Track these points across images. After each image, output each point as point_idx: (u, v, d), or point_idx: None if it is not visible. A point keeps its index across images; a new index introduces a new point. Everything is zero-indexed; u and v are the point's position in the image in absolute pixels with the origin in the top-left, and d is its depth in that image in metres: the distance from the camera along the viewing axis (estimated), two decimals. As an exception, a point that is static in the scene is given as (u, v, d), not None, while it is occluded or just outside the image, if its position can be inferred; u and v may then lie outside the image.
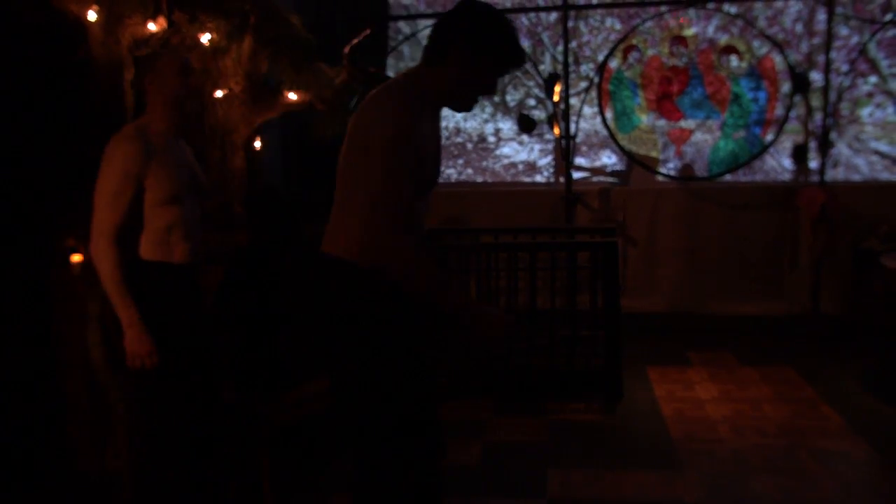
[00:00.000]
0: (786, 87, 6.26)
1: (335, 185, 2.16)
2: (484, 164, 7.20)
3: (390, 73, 6.04)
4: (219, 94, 3.99)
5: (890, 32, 6.24)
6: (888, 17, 6.16)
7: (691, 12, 6.48)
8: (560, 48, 6.61)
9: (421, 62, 2.11)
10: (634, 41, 6.40)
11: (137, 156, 2.45)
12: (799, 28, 6.44)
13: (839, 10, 6.20)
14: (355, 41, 4.13)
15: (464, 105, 2.14)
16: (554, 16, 6.84)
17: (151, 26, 3.37)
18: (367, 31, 4.17)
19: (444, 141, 7.23)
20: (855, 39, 6.30)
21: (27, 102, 3.31)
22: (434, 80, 2.07)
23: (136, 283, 2.47)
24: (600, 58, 6.55)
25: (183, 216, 2.56)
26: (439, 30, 2.07)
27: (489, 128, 7.14)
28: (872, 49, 6.28)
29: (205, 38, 3.67)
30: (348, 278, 2.06)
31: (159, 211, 2.50)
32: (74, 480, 2.91)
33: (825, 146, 6.17)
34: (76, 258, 3.10)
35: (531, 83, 6.94)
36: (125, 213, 2.45)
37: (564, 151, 6.20)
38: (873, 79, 6.38)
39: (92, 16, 3.17)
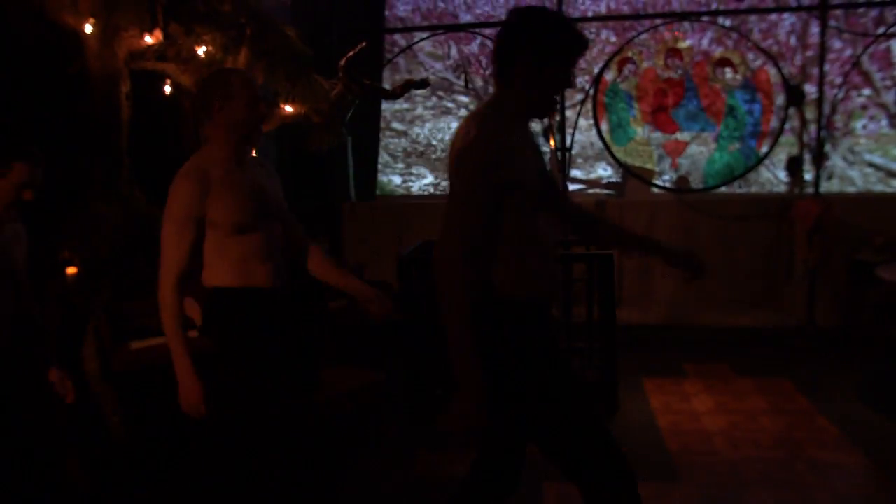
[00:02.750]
0: (780, 99, 6.29)
1: None
2: (480, 175, 7.21)
3: (386, 86, 6.06)
4: (215, 106, 3.99)
5: (882, 45, 6.28)
6: (881, 30, 6.20)
7: (686, 25, 6.51)
8: (555, 61, 6.62)
9: (496, 86, 2.11)
10: (630, 53, 6.43)
11: (193, 197, 2.33)
12: (793, 41, 6.48)
13: (832, 23, 6.24)
14: (351, 54, 4.14)
15: (546, 109, 2.13)
16: (549, 28, 6.86)
17: (148, 39, 3.38)
18: (363, 44, 4.17)
19: (439, 153, 7.26)
20: (848, 52, 6.34)
21: (23, 114, 3.31)
22: (510, 95, 2.07)
23: (222, 310, 2.41)
24: (596, 70, 6.57)
25: (257, 242, 2.43)
26: (500, 45, 2.07)
27: (485, 140, 7.15)
28: (865, 62, 6.32)
29: (201, 51, 3.67)
30: None
31: (231, 241, 2.39)
32: (67, 493, 2.89)
33: (820, 158, 6.20)
34: (71, 270, 3.10)
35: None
36: (188, 255, 2.36)
37: (560, 163, 6.21)
38: (867, 91, 6.41)
39: (88, 28, 3.18)
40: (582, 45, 2.07)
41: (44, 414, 2.64)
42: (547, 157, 7.07)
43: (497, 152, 1.96)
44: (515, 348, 2.05)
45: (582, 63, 6.84)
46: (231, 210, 2.36)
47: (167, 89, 4.03)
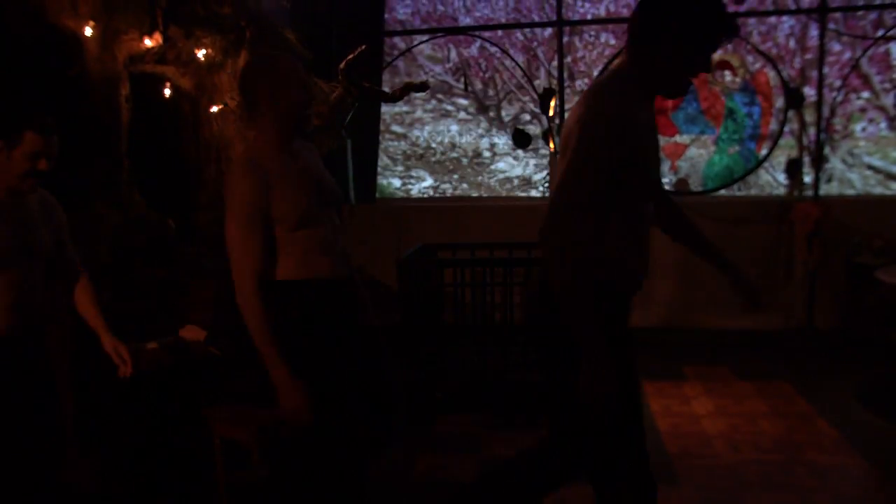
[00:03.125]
0: (779, 102, 6.29)
1: None
2: (479, 178, 7.22)
3: (385, 89, 6.06)
4: (214, 109, 4.00)
5: (882, 48, 6.29)
6: (880, 32, 6.21)
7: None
8: (555, 63, 6.65)
9: (626, 55, 2.02)
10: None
11: (256, 194, 2.23)
12: (792, 44, 6.49)
13: (831, 26, 6.25)
14: (351, 57, 4.14)
15: (679, 90, 2.04)
16: (549, 31, 6.88)
17: (147, 42, 3.39)
18: (363, 47, 4.18)
19: (438, 156, 7.27)
20: (847, 55, 6.34)
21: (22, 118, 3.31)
22: (645, 70, 1.98)
23: (285, 304, 2.31)
24: (595, 73, 6.58)
25: (321, 234, 2.35)
26: (643, 17, 1.96)
27: (484, 143, 7.16)
28: (865, 64, 6.33)
29: (200, 54, 3.68)
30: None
31: (294, 236, 2.30)
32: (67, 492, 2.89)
33: (819, 161, 6.20)
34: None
35: (526, 98, 6.97)
36: (262, 255, 2.26)
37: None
38: (866, 94, 6.42)
39: (88, 31, 3.18)
40: (731, 31, 1.97)
41: (52, 404, 2.61)
42: (536, 162, 7.08)
43: (624, 126, 1.91)
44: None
45: (581, 66, 6.85)
46: (293, 204, 2.27)
47: (167, 92, 4.04)
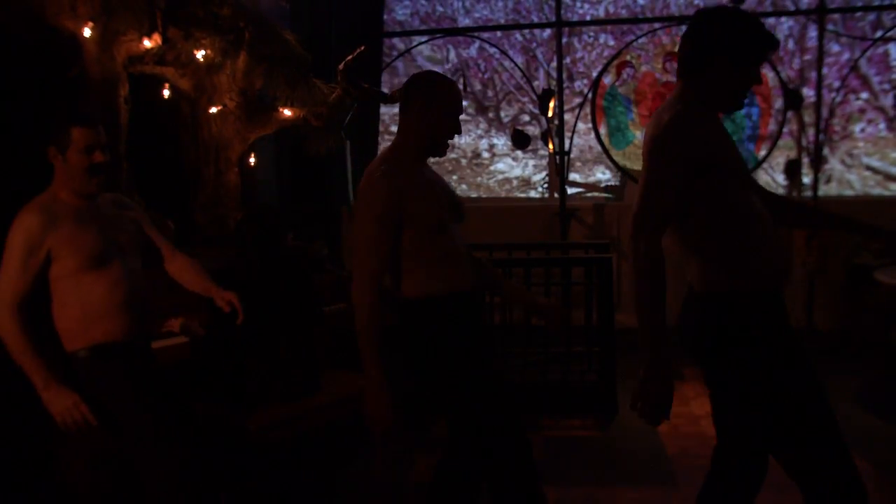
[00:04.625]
0: (778, 103, 6.29)
1: None
2: (478, 179, 7.22)
3: (385, 90, 6.06)
4: (213, 110, 4.00)
5: (880, 49, 6.30)
6: (878, 33, 6.21)
7: (684, 28, 6.52)
8: (554, 64, 6.65)
9: (683, 81, 2.12)
10: (628, 57, 6.43)
11: (392, 197, 2.24)
12: (791, 45, 6.49)
13: (830, 27, 6.25)
14: (350, 58, 4.14)
15: (736, 104, 2.13)
16: (548, 32, 6.88)
17: (146, 43, 3.39)
18: (362, 48, 4.17)
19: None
20: (846, 56, 6.35)
21: (21, 119, 3.31)
22: (701, 93, 2.08)
23: (428, 321, 2.32)
24: (594, 74, 6.58)
25: (452, 244, 2.37)
26: (691, 50, 2.09)
27: (483, 143, 7.16)
28: (863, 65, 6.33)
29: (199, 55, 3.68)
30: None
31: (429, 244, 2.31)
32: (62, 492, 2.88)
33: (818, 162, 6.20)
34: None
35: (525, 99, 6.97)
36: (387, 259, 2.27)
37: (559, 167, 6.22)
38: (865, 95, 6.43)
39: (87, 32, 3.18)
40: (773, 45, 2.08)
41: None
42: (535, 163, 7.09)
43: (690, 133, 1.98)
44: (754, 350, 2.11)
45: (580, 67, 6.86)
46: (428, 213, 2.29)
47: (166, 93, 4.04)
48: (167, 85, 3.99)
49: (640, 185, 2.03)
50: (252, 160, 4.57)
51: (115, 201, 2.63)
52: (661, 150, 1.99)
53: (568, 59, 6.82)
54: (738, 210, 2.06)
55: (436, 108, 2.32)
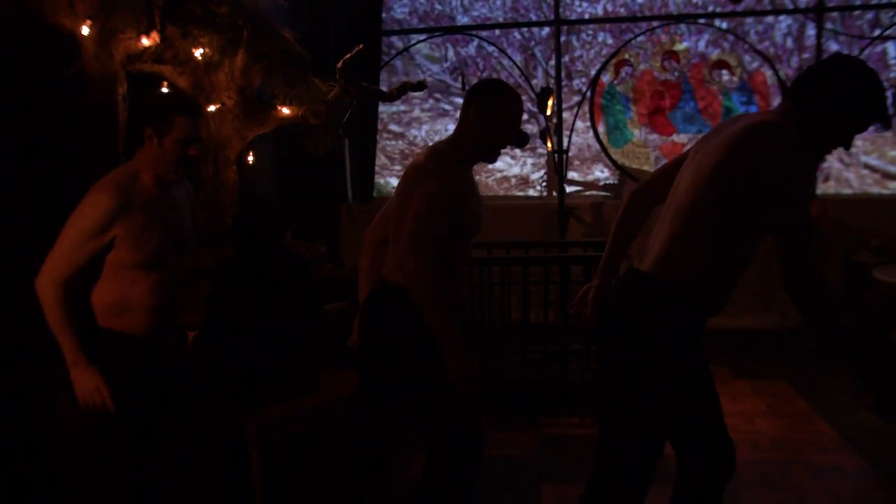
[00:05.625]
0: (777, 101, 6.29)
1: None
2: (476, 178, 7.20)
3: (383, 88, 6.06)
4: (211, 108, 4.00)
5: (878, 48, 6.30)
6: (876, 32, 6.21)
7: (683, 27, 6.52)
8: (552, 62, 6.65)
9: (790, 105, 2.11)
10: (626, 56, 6.43)
11: (458, 194, 2.35)
12: (789, 43, 6.50)
13: (828, 25, 6.26)
14: (348, 56, 4.13)
15: (820, 155, 2.15)
16: (546, 30, 6.88)
17: (144, 41, 3.38)
18: (360, 46, 4.17)
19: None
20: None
21: (20, 117, 3.31)
22: (804, 128, 2.07)
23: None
24: (592, 72, 6.58)
25: (464, 253, 2.50)
26: (809, 88, 2.07)
27: (482, 142, 7.16)
28: (862, 64, 6.33)
29: (198, 53, 3.67)
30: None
31: (451, 246, 2.38)
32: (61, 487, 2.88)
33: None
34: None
35: (524, 97, 6.96)
36: (440, 245, 2.34)
37: (557, 165, 6.22)
38: (863, 93, 6.42)
39: (85, 31, 3.17)
40: (885, 125, 2.12)
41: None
42: (533, 161, 7.09)
43: (798, 166, 1.98)
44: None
45: (579, 65, 6.86)
46: (470, 213, 2.38)
47: (164, 91, 4.03)
48: (165, 83, 3.98)
49: (792, 219, 2.01)
50: (250, 158, 4.56)
51: (187, 190, 2.60)
52: (796, 179, 1.97)
53: (566, 58, 6.82)
54: (747, 249, 2.17)
55: (501, 118, 2.37)
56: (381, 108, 7.10)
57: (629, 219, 2.39)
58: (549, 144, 6.21)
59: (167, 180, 2.41)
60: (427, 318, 2.28)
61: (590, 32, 6.89)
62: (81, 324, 2.33)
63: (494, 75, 7.06)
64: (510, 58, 6.56)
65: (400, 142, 7.29)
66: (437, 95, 7.20)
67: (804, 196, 1.99)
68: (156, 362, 2.48)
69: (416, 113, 7.26)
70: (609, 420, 2.34)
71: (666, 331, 2.13)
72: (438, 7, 7.06)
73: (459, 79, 6.94)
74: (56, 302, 2.26)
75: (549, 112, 6.10)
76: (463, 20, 7.02)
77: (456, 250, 2.40)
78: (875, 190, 6.53)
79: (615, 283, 2.35)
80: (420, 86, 4.43)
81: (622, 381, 2.23)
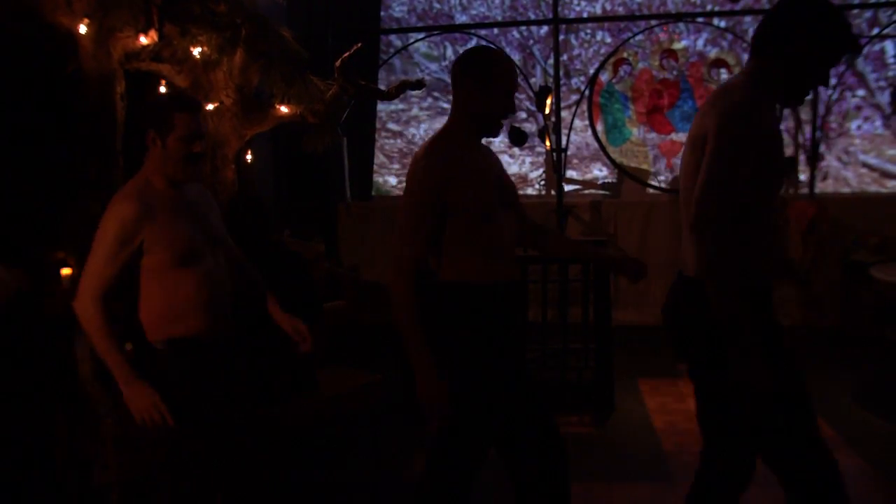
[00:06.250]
0: (775, 100, 6.30)
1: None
2: (475, 176, 7.22)
3: (381, 87, 6.05)
4: (210, 107, 3.99)
5: (877, 46, 6.30)
6: (875, 31, 6.22)
7: (681, 26, 6.52)
8: (551, 61, 6.64)
9: (750, 62, 2.08)
10: (625, 54, 6.43)
11: (433, 185, 2.21)
12: (787, 42, 6.49)
13: (827, 24, 6.25)
14: (346, 54, 4.13)
15: (797, 99, 2.11)
16: (545, 29, 6.88)
17: (143, 39, 3.37)
18: (359, 45, 4.17)
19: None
20: (843, 53, 6.35)
21: (17, 115, 3.30)
22: (766, 77, 2.04)
23: (467, 307, 2.27)
24: (591, 71, 6.58)
25: (497, 233, 2.32)
26: (773, 24, 2.03)
27: (480, 140, 7.16)
28: (860, 63, 6.34)
29: (196, 52, 3.66)
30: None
31: (477, 231, 2.25)
32: (60, 494, 2.88)
33: (814, 159, 6.21)
34: (66, 271, 3.09)
35: (522, 96, 6.96)
36: (426, 245, 2.25)
37: (556, 164, 6.22)
38: (861, 92, 6.43)
39: (83, 29, 3.17)
40: (854, 48, 2.06)
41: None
42: (532, 160, 7.08)
43: (758, 119, 1.96)
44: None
45: (577, 64, 6.86)
46: (477, 197, 2.23)
47: (162, 90, 4.03)
48: (163, 82, 3.97)
49: (708, 164, 1.96)
50: (249, 157, 4.56)
51: (201, 190, 2.57)
52: (731, 129, 1.94)
53: (565, 57, 6.82)
54: (761, 208, 2.05)
55: (491, 85, 2.23)
56: (380, 106, 7.10)
57: None
58: (547, 143, 6.21)
59: (177, 181, 2.40)
60: (398, 324, 2.20)
61: (588, 31, 6.89)
62: (125, 337, 2.32)
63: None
64: (508, 56, 6.55)
65: (398, 140, 7.29)
66: (436, 94, 7.19)
67: (730, 146, 1.94)
68: (221, 362, 2.46)
69: (415, 111, 7.25)
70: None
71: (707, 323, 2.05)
72: (437, 5, 7.06)
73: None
74: (99, 318, 2.25)
75: (547, 111, 6.10)
76: (461, 19, 7.02)
77: (481, 234, 2.25)
78: (873, 189, 6.53)
79: (671, 294, 2.29)
80: (419, 84, 4.43)
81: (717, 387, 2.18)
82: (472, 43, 6.99)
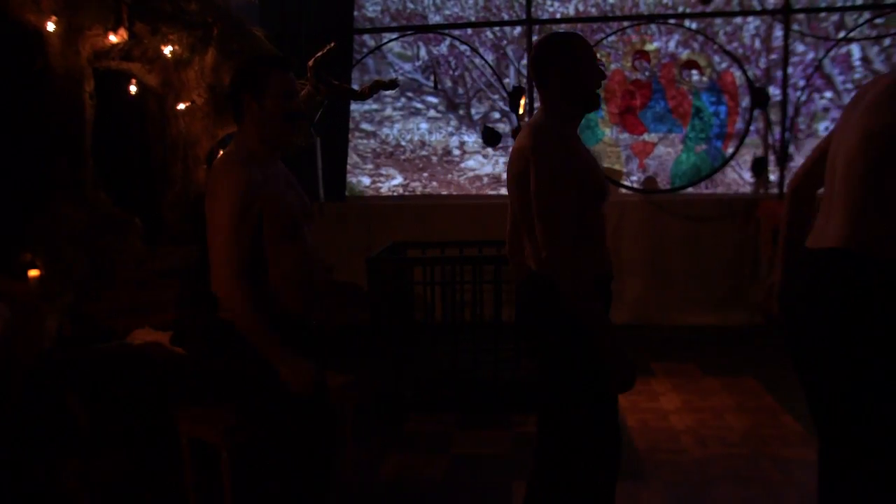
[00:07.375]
0: (745, 101, 6.38)
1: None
2: (449, 176, 7.22)
3: (355, 86, 6.04)
4: (181, 106, 3.96)
5: (843, 49, 6.40)
6: (841, 34, 6.32)
7: (653, 28, 6.58)
8: (524, 62, 6.67)
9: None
10: (597, 55, 6.46)
11: (568, 155, 2.23)
12: (757, 44, 6.58)
13: (795, 27, 6.34)
14: (320, 54, 4.11)
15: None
16: (518, 30, 6.90)
17: (112, 38, 3.34)
18: (332, 45, 4.15)
19: (408, 154, 7.25)
20: (811, 56, 6.44)
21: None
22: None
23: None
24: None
25: (602, 220, 2.37)
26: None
27: (454, 141, 7.16)
28: (827, 65, 6.43)
29: (167, 50, 3.63)
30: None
31: (591, 215, 2.26)
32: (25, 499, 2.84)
33: (784, 159, 6.29)
34: (33, 273, 3.05)
35: (496, 97, 6.98)
36: (573, 225, 2.26)
37: (529, 164, 6.22)
38: (829, 94, 6.53)
39: (51, 27, 3.13)
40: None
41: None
42: (505, 160, 7.11)
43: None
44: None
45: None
46: (593, 182, 2.21)
47: (133, 89, 3.99)
48: (134, 81, 3.93)
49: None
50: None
51: (282, 168, 2.44)
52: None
53: (538, 57, 6.84)
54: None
55: (580, 63, 2.26)
56: (353, 106, 7.07)
57: (799, 211, 2.31)
58: (521, 143, 6.22)
59: (279, 144, 2.33)
60: (579, 310, 2.27)
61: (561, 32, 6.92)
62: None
63: (466, 74, 7.07)
64: (482, 57, 6.57)
65: (372, 140, 7.27)
66: (409, 94, 7.19)
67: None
68: (313, 341, 2.41)
69: (388, 111, 7.24)
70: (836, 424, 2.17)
71: (883, 299, 1.90)
72: (410, 5, 7.05)
73: (431, 77, 6.94)
74: (245, 302, 2.16)
75: (521, 111, 6.12)
76: (435, 19, 7.02)
77: (594, 218, 2.28)
78: (841, 189, 6.63)
79: (790, 273, 2.22)
80: (392, 84, 4.43)
81: (841, 374, 2.05)
82: (446, 43, 6.99)
